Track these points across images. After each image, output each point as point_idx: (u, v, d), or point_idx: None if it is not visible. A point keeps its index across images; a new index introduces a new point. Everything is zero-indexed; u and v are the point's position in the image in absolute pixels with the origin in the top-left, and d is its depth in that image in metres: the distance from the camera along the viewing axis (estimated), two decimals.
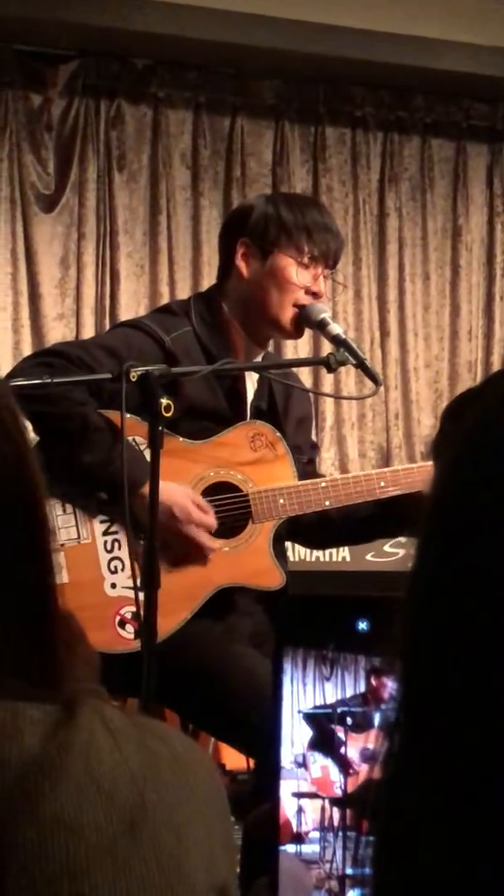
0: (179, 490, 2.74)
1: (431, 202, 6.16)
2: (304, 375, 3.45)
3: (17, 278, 5.51)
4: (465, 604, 0.55)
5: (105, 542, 2.75)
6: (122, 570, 2.72)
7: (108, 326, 5.40)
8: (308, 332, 3.01)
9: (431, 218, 6.15)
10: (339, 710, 1.26)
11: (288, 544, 3.09)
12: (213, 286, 3.04)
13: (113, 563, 2.75)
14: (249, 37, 5.37)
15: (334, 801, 1.27)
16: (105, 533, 2.76)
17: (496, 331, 6.24)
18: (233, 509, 2.84)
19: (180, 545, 2.75)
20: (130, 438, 2.71)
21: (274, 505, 2.84)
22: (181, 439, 2.79)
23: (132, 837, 0.78)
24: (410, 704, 0.58)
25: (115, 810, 0.78)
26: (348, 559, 4.84)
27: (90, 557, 2.74)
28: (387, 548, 4.73)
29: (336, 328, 2.86)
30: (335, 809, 1.27)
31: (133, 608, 2.63)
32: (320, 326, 2.88)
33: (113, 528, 2.75)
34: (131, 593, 2.57)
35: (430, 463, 2.75)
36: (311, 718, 1.27)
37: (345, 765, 1.27)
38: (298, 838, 1.27)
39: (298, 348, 5.48)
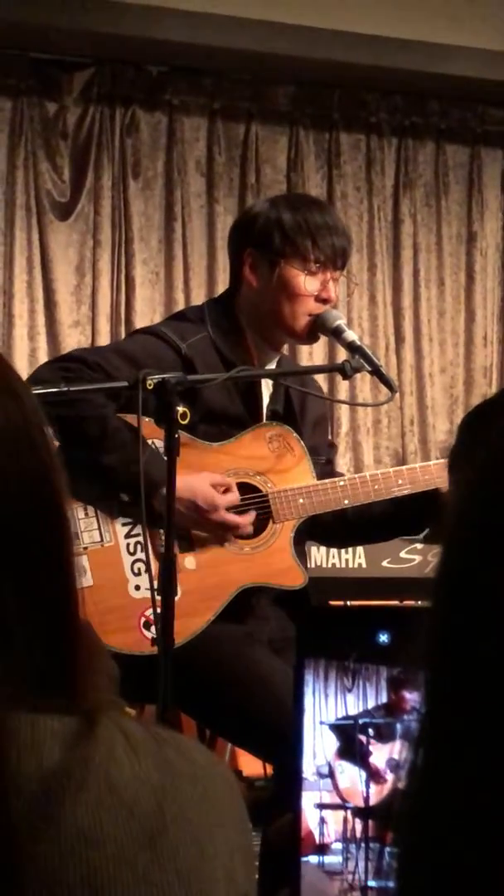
0: (197, 480, 2.75)
1: (446, 208, 6.15)
2: (320, 381, 3.45)
3: (32, 286, 5.51)
4: (489, 614, 0.55)
5: (128, 545, 2.76)
6: (146, 571, 2.73)
7: (123, 334, 5.41)
8: (323, 338, 3.01)
9: (446, 223, 6.15)
10: (362, 720, 1.26)
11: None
12: (227, 292, 3.04)
13: (136, 566, 2.76)
14: (264, 44, 5.37)
15: (357, 812, 1.27)
16: (128, 535, 2.77)
17: None
18: (253, 510, 2.84)
19: (213, 533, 2.77)
20: (150, 441, 2.74)
21: (294, 505, 2.85)
22: (200, 442, 2.80)
23: (152, 850, 0.78)
24: (435, 714, 0.58)
25: (136, 823, 0.78)
26: (364, 566, 4.82)
27: (114, 560, 2.75)
28: (403, 554, 4.72)
29: (351, 335, 2.87)
30: (357, 820, 1.27)
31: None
32: (335, 334, 2.88)
33: (135, 531, 2.76)
34: (155, 595, 2.59)
35: (446, 460, 2.76)
36: (337, 728, 1.27)
37: (373, 773, 1.27)
38: (321, 849, 1.27)
39: (314, 353, 5.48)
